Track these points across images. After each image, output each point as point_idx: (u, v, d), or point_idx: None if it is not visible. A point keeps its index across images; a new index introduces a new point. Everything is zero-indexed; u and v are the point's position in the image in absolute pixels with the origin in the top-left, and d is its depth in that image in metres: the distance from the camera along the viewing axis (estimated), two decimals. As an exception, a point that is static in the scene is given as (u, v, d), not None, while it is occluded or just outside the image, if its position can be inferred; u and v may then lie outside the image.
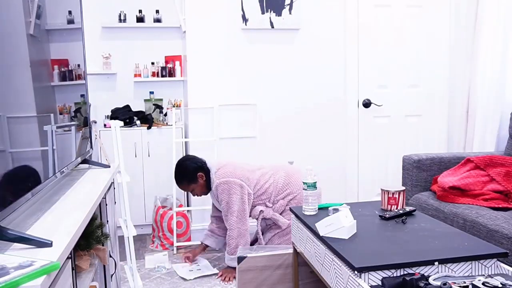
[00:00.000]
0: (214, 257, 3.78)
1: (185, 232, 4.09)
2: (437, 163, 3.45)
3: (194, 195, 3.57)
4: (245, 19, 4.04)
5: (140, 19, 4.57)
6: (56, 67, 2.12)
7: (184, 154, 4.35)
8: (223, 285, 3.26)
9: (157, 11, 4.60)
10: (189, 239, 4.10)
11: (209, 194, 3.55)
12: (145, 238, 4.33)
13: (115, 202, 2.77)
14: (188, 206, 4.33)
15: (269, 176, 3.49)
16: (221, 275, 3.39)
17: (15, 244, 1.33)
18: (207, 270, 3.49)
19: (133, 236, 4.32)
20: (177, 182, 3.54)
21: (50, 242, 1.31)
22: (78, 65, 2.53)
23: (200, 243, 3.75)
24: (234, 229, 3.36)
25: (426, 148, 4.47)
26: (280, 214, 3.46)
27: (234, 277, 3.28)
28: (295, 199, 3.46)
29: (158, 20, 4.60)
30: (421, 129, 4.53)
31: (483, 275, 1.93)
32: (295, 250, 2.72)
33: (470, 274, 1.93)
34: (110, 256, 2.37)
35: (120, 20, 4.55)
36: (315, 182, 2.54)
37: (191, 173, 3.44)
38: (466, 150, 4.32)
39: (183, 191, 4.14)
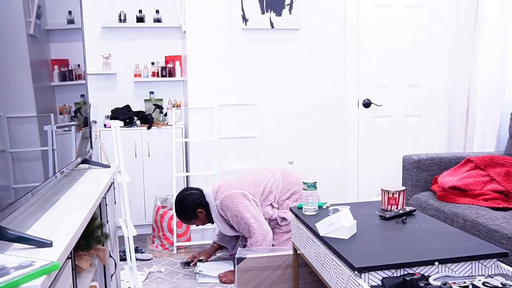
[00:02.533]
0: (214, 257, 3.78)
1: (185, 232, 4.09)
2: (437, 163, 3.45)
3: (198, 225, 3.64)
4: (245, 19, 4.04)
5: (140, 19, 4.57)
6: (56, 67, 2.12)
7: (184, 154, 4.35)
8: (223, 286, 3.26)
9: (157, 11, 4.60)
10: (189, 239, 4.10)
11: (215, 223, 3.54)
12: (145, 238, 4.33)
13: (115, 202, 2.77)
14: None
15: (268, 178, 3.48)
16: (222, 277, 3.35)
17: (15, 244, 1.33)
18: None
19: (133, 236, 4.33)
20: (178, 218, 3.58)
21: (50, 242, 1.31)
22: (78, 65, 2.53)
23: (212, 243, 3.77)
24: (257, 235, 3.27)
25: (426, 148, 4.47)
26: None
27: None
28: (302, 197, 3.42)
29: (158, 20, 4.60)
30: (421, 129, 4.53)
31: (483, 275, 1.93)
32: (295, 250, 2.72)
33: (470, 274, 1.93)
34: (110, 256, 2.37)
35: (120, 20, 4.55)
36: (315, 182, 2.54)
37: (191, 211, 3.47)
38: (466, 150, 4.32)
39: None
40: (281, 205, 3.47)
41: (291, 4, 4.09)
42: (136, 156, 4.34)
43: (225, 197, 3.34)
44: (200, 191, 3.51)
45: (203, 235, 4.11)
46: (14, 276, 1.05)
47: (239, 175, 3.56)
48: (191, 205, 3.46)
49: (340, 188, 4.43)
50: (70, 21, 2.46)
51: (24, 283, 1.05)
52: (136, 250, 3.82)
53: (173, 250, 3.94)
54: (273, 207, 3.45)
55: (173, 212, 3.61)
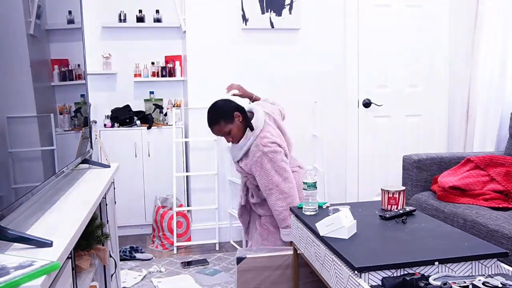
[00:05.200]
0: (214, 257, 3.79)
1: (185, 232, 4.09)
2: (437, 163, 3.45)
3: (228, 141, 3.21)
4: (245, 19, 4.04)
5: (140, 19, 4.58)
6: (56, 67, 2.12)
7: (184, 154, 4.35)
8: (223, 285, 3.26)
9: (157, 11, 4.60)
10: (189, 239, 4.10)
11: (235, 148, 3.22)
12: (145, 238, 4.33)
13: (115, 202, 2.77)
14: (188, 206, 4.33)
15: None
16: None
17: (15, 244, 1.33)
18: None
19: (133, 236, 4.34)
20: (212, 125, 3.17)
21: (50, 242, 1.31)
22: (78, 65, 2.53)
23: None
24: (287, 198, 3.04)
25: (426, 148, 4.47)
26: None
27: None
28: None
29: (158, 20, 4.61)
30: (421, 129, 4.53)
31: (483, 275, 1.93)
32: (295, 250, 2.72)
33: (470, 274, 1.93)
34: (110, 256, 2.37)
35: (120, 20, 4.55)
36: (315, 182, 2.54)
37: (228, 112, 3.10)
38: (466, 150, 4.32)
39: (182, 193, 4.13)
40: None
41: (291, 4, 4.09)
42: (136, 156, 4.34)
43: (269, 151, 3.04)
44: (241, 106, 3.20)
45: (203, 235, 4.11)
46: (14, 276, 1.05)
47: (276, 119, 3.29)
48: (229, 106, 3.13)
49: (340, 188, 4.43)
50: (70, 21, 2.46)
51: (24, 283, 1.05)
52: (136, 250, 3.82)
53: (173, 250, 3.94)
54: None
55: (207, 118, 3.21)
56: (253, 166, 3.09)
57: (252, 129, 3.12)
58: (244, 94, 3.56)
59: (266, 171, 3.05)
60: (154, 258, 3.80)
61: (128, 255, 3.75)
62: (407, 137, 4.51)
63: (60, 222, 1.57)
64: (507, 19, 4.00)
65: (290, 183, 3.07)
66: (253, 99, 3.57)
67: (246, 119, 3.15)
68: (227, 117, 3.11)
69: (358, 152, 4.43)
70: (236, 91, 3.52)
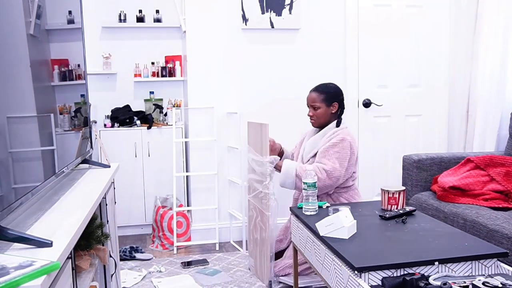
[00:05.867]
0: (214, 256, 3.79)
1: (185, 232, 4.09)
2: (437, 163, 3.45)
3: (310, 115, 3.36)
4: (245, 19, 4.04)
5: (140, 19, 4.58)
6: (56, 67, 2.12)
7: (185, 153, 4.35)
8: (223, 285, 3.26)
9: (157, 11, 4.60)
10: (189, 239, 4.10)
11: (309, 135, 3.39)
12: (145, 238, 4.33)
13: (115, 202, 2.77)
14: (188, 206, 4.33)
15: None
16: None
17: (15, 244, 1.33)
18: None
19: (133, 236, 4.34)
20: (315, 90, 3.33)
21: (50, 242, 1.31)
22: (78, 65, 2.53)
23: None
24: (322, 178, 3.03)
25: (426, 148, 4.47)
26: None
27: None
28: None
29: (158, 20, 4.61)
30: (421, 129, 4.53)
31: (483, 275, 1.93)
32: (295, 249, 2.72)
33: (470, 274, 1.93)
34: (110, 256, 2.37)
35: (120, 20, 4.55)
36: (315, 182, 2.54)
37: (333, 95, 3.28)
38: (466, 150, 4.32)
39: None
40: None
41: (291, 4, 4.09)
42: (136, 156, 4.35)
43: (350, 141, 3.14)
44: (344, 107, 3.36)
45: (203, 235, 4.11)
46: (14, 276, 1.05)
47: None
48: (337, 94, 3.31)
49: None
50: (70, 21, 2.46)
51: (24, 283, 1.05)
52: (136, 250, 3.82)
53: (173, 250, 3.94)
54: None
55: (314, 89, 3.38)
56: (326, 143, 3.17)
57: (338, 125, 3.28)
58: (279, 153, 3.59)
59: (333, 149, 3.11)
60: (154, 258, 3.80)
61: (128, 255, 3.75)
62: (407, 137, 4.51)
63: (60, 222, 1.57)
64: (507, 19, 4.00)
65: (336, 174, 3.06)
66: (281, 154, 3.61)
67: (335, 117, 3.30)
68: (327, 99, 3.29)
69: (358, 152, 4.42)
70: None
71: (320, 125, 3.33)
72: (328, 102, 3.28)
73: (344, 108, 3.36)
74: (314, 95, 3.32)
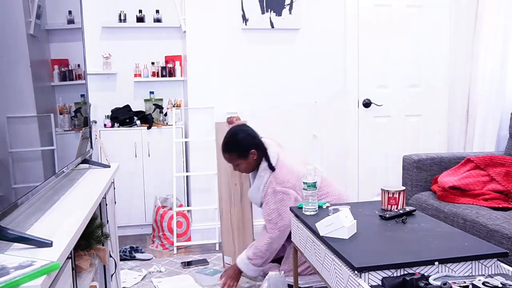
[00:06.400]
0: (214, 256, 3.78)
1: (185, 232, 4.09)
2: (437, 163, 3.45)
3: (235, 169, 3.22)
4: (245, 19, 4.04)
5: (140, 19, 4.57)
6: (56, 67, 2.12)
7: (185, 153, 4.35)
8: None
9: (157, 11, 4.60)
10: (189, 239, 4.10)
11: (250, 174, 3.25)
12: (145, 238, 4.33)
13: (115, 202, 2.77)
14: (188, 206, 4.33)
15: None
16: (223, 278, 3.15)
17: (15, 244, 1.33)
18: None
19: (133, 236, 4.34)
20: (224, 151, 3.15)
21: (50, 242, 1.31)
22: (78, 65, 2.53)
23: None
24: (274, 242, 3.07)
25: (426, 148, 4.47)
26: None
27: (236, 284, 3.13)
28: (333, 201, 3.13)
29: (158, 20, 4.61)
30: (421, 129, 4.53)
31: (483, 275, 1.93)
32: (295, 249, 2.72)
33: (470, 274, 1.93)
34: (110, 256, 2.37)
35: (120, 20, 4.55)
36: (315, 182, 2.54)
37: (244, 148, 3.09)
38: (466, 150, 4.32)
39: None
40: None
41: (291, 4, 4.09)
42: (136, 156, 4.35)
43: (282, 192, 3.02)
44: (259, 140, 3.17)
45: (203, 235, 4.11)
46: (14, 276, 1.05)
47: (298, 158, 3.24)
48: (248, 142, 3.11)
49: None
50: (70, 21, 2.46)
51: (24, 283, 1.05)
52: (136, 250, 3.82)
53: (173, 250, 3.94)
54: None
55: (222, 142, 3.20)
56: (264, 199, 3.12)
57: (272, 169, 3.10)
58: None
59: (269, 207, 3.07)
60: (154, 258, 3.80)
61: (128, 255, 3.75)
62: (407, 137, 4.51)
63: (60, 222, 1.57)
64: (507, 19, 4.00)
65: (283, 232, 3.06)
66: None
67: (261, 157, 3.13)
68: (242, 153, 3.11)
69: (358, 152, 4.43)
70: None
71: (251, 171, 3.22)
72: (243, 155, 3.11)
73: (265, 148, 3.14)
74: (227, 156, 3.16)
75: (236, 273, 3.14)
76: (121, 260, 3.68)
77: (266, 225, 3.13)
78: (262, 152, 3.14)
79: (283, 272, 2.95)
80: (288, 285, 2.93)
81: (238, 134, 3.15)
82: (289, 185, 3.05)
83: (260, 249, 3.06)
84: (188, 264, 3.62)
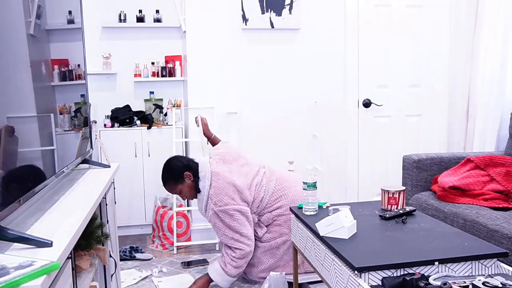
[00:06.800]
0: (214, 257, 3.78)
1: (185, 232, 4.09)
2: (437, 163, 3.45)
3: (183, 198, 3.34)
4: (245, 19, 4.04)
5: (140, 19, 4.57)
6: (56, 67, 2.12)
7: (185, 154, 4.35)
8: (223, 285, 3.26)
9: (157, 11, 4.60)
10: (189, 239, 4.10)
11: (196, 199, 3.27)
12: (145, 238, 4.33)
13: (115, 202, 2.77)
14: (188, 206, 4.33)
15: (266, 182, 3.21)
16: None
17: (15, 244, 1.33)
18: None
19: (134, 236, 4.34)
20: (164, 184, 3.27)
21: (50, 242, 1.31)
22: (78, 65, 2.53)
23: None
24: (247, 254, 3.09)
25: (426, 148, 4.47)
26: (266, 227, 3.22)
27: None
28: (283, 215, 3.16)
29: (158, 20, 4.60)
30: (421, 129, 4.53)
31: (483, 275, 1.93)
32: (294, 248, 2.72)
33: (470, 274, 1.93)
34: (110, 256, 2.37)
35: (120, 20, 4.55)
36: (315, 182, 2.54)
37: (177, 172, 3.17)
38: (466, 150, 4.32)
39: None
40: (261, 216, 3.20)
41: (291, 4, 4.09)
42: (136, 156, 4.34)
43: (223, 211, 3.04)
44: (194, 162, 3.23)
45: (203, 235, 4.11)
46: (14, 276, 1.05)
47: (238, 162, 3.24)
48: (179, 166, 3.17)
49: (340, 188, 4.43)
50: (70, 21, 2.46)
51: (24, 283, 1.06)
52: (136, 250, 3.82)
53: (173, 250, 3.94)
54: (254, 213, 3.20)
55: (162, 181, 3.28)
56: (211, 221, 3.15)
57: (198, 191, 3.16)
58: (205, 132, 3.59)
59: (219, 228, 3.10)
60: (154, 258, 3.80)
61: (128, 255, 3.75)
62: (407, 137, 4.51)
63: (60, 222, 1.57)
64: (507, 19, 4.00)
65: (244, 237, 3.07)
66: (211, 139, 3.59)
67: (198, 177, 3.16)
68: (176, 178, 3.18)
69: (358, 152, 4.43)
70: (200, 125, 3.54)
71: (195, 194, 3.23)
72: (180, 182, 3.18)
73: (196, 166, 3.18)
74: (167, 187, 3.25)
75: (205, 282, 3.15)
76: (121, 260, 3.68)
77: (225, 246, 3.14)
78: (196, 172, 3.17)
79: (284, 272, 2.96)
80: (288, 282, 2.93)
81: (170, 162, 3.25)
82: (224, 202, 3.05)
83: (235, 260, 3.08)
84: (188, 264, 3.62)
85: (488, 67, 4.10)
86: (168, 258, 3.80)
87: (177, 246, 3.95)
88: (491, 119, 4.10)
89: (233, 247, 3.08)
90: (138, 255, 3.76)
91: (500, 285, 1.69)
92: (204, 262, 3.65)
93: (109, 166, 2.63)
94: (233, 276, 3.10)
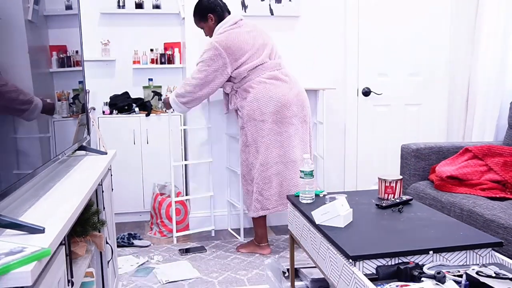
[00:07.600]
0: (212, 244, 3.79)
1: (183, 219, 4.10)
2: (435, 152, 3.45)
3: (205, 34, 3.63)
4: (244, 6, 4.01)
5: (139, 5, 4.55)
6: (54, 53, 2.12)
7: (183, 142, 4.35)
8: (219, 272, 3.27)
9: (156, -3, 4.58)
10: (187, 227, 4.10)
11: None
12: (143, 225, 4.34)
13: (112, 189, 2.78)
14: (186, 194, 4.34)
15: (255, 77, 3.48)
16: None
17: (8, 230, 1.33)
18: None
19: (132, 223, 4.35)
20: (193, 17, 3.59)
21: (42, 229, 1.31)
22: (76, 52, 2.52)
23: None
24: (191, 85, 3.47)
25: (426, 137, 4.47)
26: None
27: None
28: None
29: (157, 7, 4.58)
30: (421, 118, 4.52)
31: (478, 264, 1.93)
32: (291, 237, 2.73)
33: (465, 264, 1.93)
34: (107, 243, 2.38)
35: (119, 6, 4.52)
36: (312, 171, 2.54)
37: (203, 11, 3.49)
38: (465, 139, 4.32)
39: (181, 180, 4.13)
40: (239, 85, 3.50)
41: (291, -9, 4.06)
42: (134, 143, 4.34)
43: (210, 45, 3.37)
44: (224, 10, 3.53)
45: (201, 223, 4.12)
46: (4, 262, 1.06)
47: (260, 50, 3.54)
48: (205, 6, 3.49)
49: (339, 177, 4.43)
50: (68, 7, 2.44)
51: (14, 269, 1.06)
52: (134, 237, 3.83)
53: (171, 237, 3.95)
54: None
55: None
56: None
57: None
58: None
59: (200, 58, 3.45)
60: (152, 245, 3.82)
61: (126, 242, 3.76)
62: (407, 126, 4.51)
63: (54, 209, 1.57)
64: (509, 5, 3.98)
65: (199, 78, 3.42)
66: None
67: (220, 21, 3.47)
68: (201, 16, 3.52)
69: (357, 141, 4.43)
70: None
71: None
72: (203, 19, 3.51)
73: (223, 13, 3.50)
74: (195, 20, 3.58)
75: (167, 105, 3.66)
76: (119, 246, 3.69)
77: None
78: (221, 17, 3.50)
79: (277, 256, 2.98)
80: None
81: (201, 1, 3.53)
82: (221, 39, 3.37)
83: (185, 87, 3.48)
84: (186, 251, 3.63)
85: (488, 57, 4.08)
86: (166, 245, 3.81)
87: (176, 237, 3.92)
88: (490, 109, 4.09)
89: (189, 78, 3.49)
90: (136, 242, 3.77)
91: (494, 275, 1.69)
92: (201, 249, 3.66)
93: (106, 153, 2.63)
94: (178, 95, 3.50)
